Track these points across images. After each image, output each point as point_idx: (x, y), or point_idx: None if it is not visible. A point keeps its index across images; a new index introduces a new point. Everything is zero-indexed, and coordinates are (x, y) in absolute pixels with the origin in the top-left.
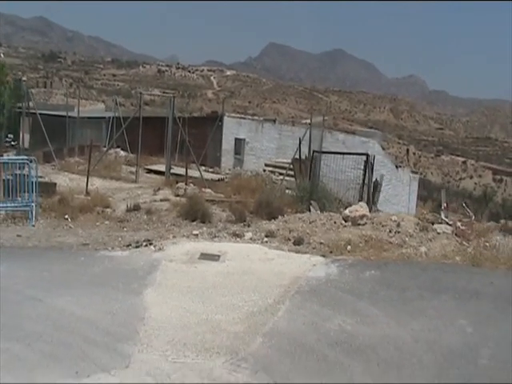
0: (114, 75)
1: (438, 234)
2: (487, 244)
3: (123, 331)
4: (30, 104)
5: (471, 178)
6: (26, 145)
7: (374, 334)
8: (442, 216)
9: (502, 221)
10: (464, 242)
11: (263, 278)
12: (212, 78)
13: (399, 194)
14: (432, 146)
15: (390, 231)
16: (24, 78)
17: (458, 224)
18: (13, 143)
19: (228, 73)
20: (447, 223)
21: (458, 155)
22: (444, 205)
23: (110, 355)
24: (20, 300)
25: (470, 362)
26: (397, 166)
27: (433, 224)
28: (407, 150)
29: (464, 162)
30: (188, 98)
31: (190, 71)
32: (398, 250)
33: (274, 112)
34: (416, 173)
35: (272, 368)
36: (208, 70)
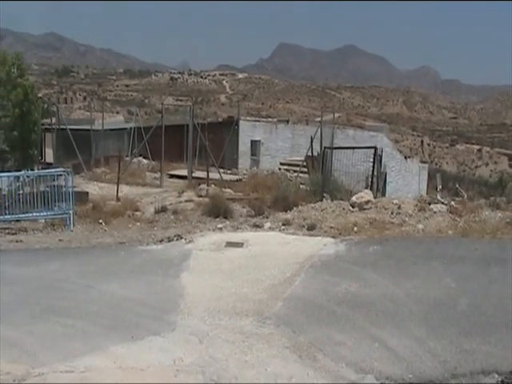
0: (126, 86)
1: (434, 212)
2: (476, 218)
3: (166, 305)
4: (53, 119)
5: (487, 165)
6: (49, 159)
7: (374, 293)
8: (438, 197)
9: (492, 198)
10: (456, 218)
11: (281, 258)
12: (224, 82)
13: (409, 183)
14: (446, 136)
15: (391, 213)
16: (40, 95)
17: (452, 203)
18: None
19: (240, 76)
20: (442, 203)
21: (472, 143)
22: (439, 187)
23: (159, 323)
24: (75, 288)
25: (450, 308)
26: (405, 157)
27: (430, 204)
28: (422, 142)
29: (479, 150)
30: (201, 103)
31: (202, 77)
32: (398, 229)
33: (287, 112)
34: (425, 162)
35: (291, 322)
36: (220, 75)
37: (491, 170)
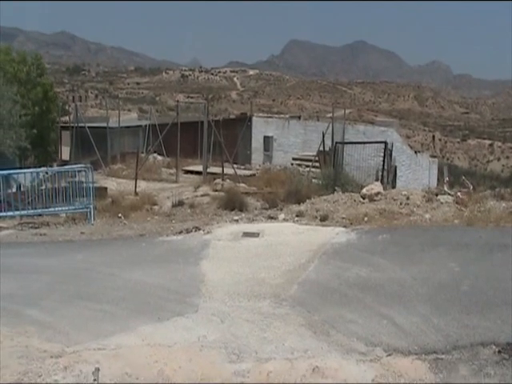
0: (137, 83)
1: (441, 203)
2: (481, 208)
3: (189, 290)
4: (70, 118)
5: (498, 160)
6: (65, 156)
7: (383, 277)
8: (445, 188)
9: (497, 189)
10: (462, 208)
11: (296, 246)
12: (235, 78)
13: (419, 177)
14: (458, 131)
15: (400, 204)
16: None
17: (458, 194)
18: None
19: (251, 72)
20: (449, 194)
21: (484, 138)
22: (446, 179)
23: (182, 306)
24: (101, 277)
25: (454, 289)
26: (416, 152)
27: (437, 195)
28: (433, 137)
29: (491, 145)
30: (212, 100)
31: (212, 74)
32: (406, 218)
33: (298, 108)
34: (435, 157)
35: (305, 303)
36: (231, 71)
37: (503, 165)
